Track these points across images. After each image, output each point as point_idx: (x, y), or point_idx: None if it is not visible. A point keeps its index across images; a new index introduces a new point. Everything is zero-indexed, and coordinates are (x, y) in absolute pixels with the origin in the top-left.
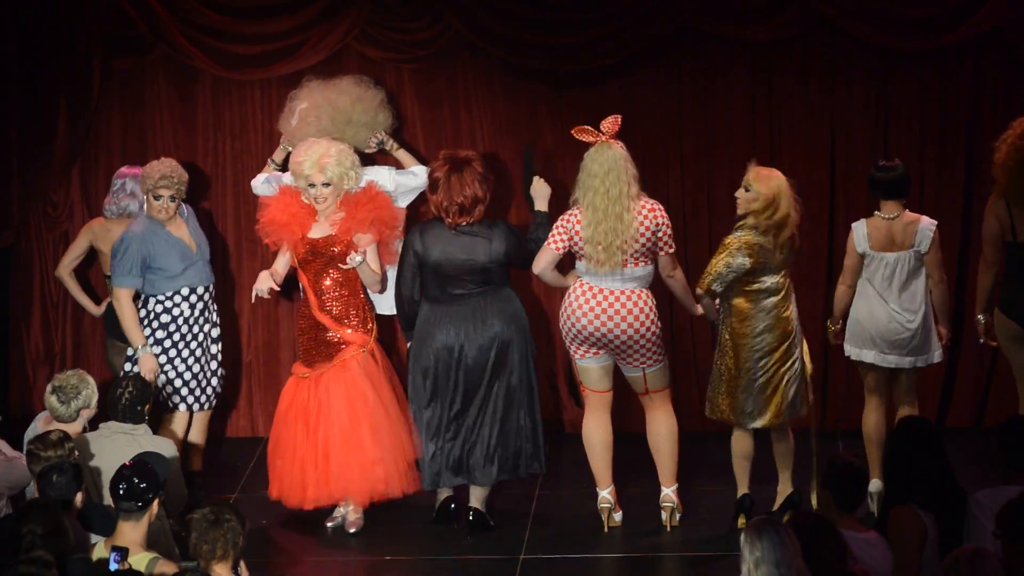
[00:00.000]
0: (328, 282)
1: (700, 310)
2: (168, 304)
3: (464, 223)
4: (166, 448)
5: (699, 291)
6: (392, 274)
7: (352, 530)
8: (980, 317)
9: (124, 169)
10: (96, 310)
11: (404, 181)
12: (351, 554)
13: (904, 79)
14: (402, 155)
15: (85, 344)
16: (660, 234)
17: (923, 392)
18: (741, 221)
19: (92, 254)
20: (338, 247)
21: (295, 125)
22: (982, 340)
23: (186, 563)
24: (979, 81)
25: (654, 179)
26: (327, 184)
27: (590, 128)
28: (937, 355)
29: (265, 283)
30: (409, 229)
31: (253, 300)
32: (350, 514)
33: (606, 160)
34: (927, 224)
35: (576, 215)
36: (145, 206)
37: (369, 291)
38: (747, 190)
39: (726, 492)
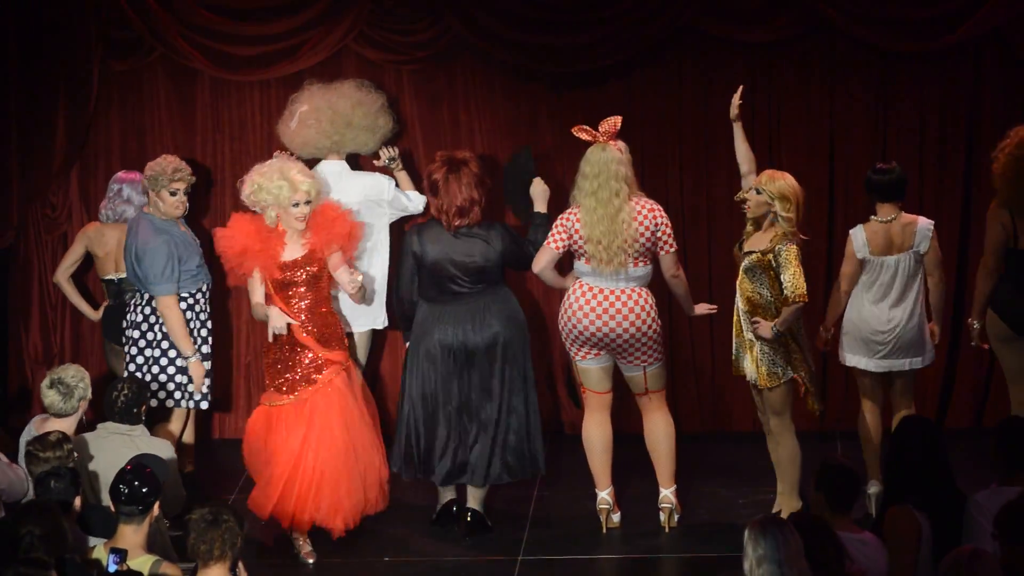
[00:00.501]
0: (305, 303)
1: (698, 311)
2: (197, 307)
3: (462, 225)
4: (163, 450)
5: (799, 304)
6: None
7: (310, 560)
8: (975, 322)
9: (121, 174)
10: (94, 315)
11: (399, 197)
12: (350, 556)
13: (904, 79)
14: (403, 177)
15: (84, 345)
16: (659, 234)
17: (922, 393)
18: (770, 238)
19: (89, 259)
20: (314, 266)
21: (294, 128)
22: (974, 344)
23: (186, 564)
24: (979, 81)
25: (653, 179)
26: (308, 201)
27: (588, 128)
28: (929, 357)
29: (282, 319)
30: (406, 230)
31: (271, 339)
32: (303, 545)
33: (597, 162)
34: (925, 224)
35: (576, 213)
36: (160, 204)
37: (352, 307)
38: (759, 192)
39: (725, 492)
